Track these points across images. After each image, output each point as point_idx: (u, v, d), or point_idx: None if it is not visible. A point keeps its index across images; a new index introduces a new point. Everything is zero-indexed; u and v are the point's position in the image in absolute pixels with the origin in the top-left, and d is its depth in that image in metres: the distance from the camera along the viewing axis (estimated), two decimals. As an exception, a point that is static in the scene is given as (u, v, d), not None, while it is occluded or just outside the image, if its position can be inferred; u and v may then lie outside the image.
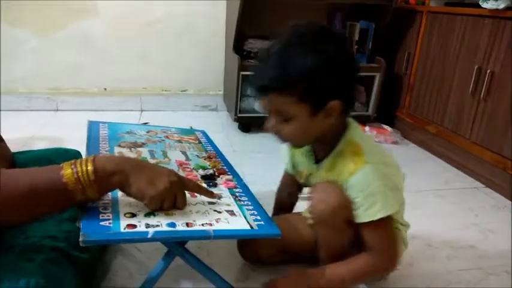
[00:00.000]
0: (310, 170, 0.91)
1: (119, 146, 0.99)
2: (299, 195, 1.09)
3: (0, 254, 0.66)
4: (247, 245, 1.03)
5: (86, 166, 0.64)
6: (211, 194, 0.81)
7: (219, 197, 0.82)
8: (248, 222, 0.75)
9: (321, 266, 0.88)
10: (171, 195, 0.72)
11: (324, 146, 0.86)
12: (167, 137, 1.14)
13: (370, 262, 0.83)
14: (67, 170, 0.63)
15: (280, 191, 1.11)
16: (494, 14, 1.56)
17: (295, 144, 0.85)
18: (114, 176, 0.66)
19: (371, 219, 0.79)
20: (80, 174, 0.63)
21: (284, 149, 0.99)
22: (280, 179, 1.09)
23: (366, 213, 0.79)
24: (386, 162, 0.84)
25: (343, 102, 0.76)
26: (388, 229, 0.83)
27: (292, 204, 1.12)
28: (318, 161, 0.89)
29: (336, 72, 0.74)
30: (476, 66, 1.66)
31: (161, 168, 0.74)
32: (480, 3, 1.60)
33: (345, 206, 0.81)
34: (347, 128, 0.84)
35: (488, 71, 1.60)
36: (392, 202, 0.81)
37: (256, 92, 0.78)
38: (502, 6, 1.51)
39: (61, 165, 0.64)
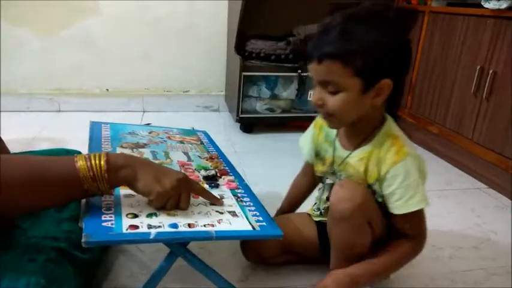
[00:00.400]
0: (337, 157, 0.90)
1: (121, 146, 1.00)
2: (310, 193, 1.09)
3: (2, 253, 0.66)
4: (250, 246, 1.02)
5: (100, 159, 0.66)
6: (218, 200, 0.81)
7: (222, 203, 0.82)
8: (250, 223, 0.75)
9: (360, 262, 0.86)
10: (177, 194, 0.72)
11: (358, 133, 0.86)
12: (169, 137, 1.14)
13: (412, 248, 0.86)
14: (81, 160, 0.65)
15: (298, 177, 1.10)
16: (497, 14, 1.56)
17: (338, 119, 0.81)
18: (124, 169, 0.68)
19: (412, 210, 0.80)
20: (93, 163, 0.65)
21: (305, 137, 1.00)
22: (301, 168, 1.09)
23: (408, 203, 0.80)
24: (419, 156, 0.85)
25: (393, 82, 0.77)
26: (423, 216, 0.85)
27: (304, 196, 1.10)
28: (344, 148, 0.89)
29: (395, 51, 0.75)
30: (479, 67, 1.65)
31: (170, 169, 0.75)
32: (482, 3, 1.59)
33: (368, 206, 0.81)
34: (385, 120, 0.85)
35: (491, 71, 1.60)
36: (426, 196, 0.83)
37: (312, 60, 0.76)
38: (504, 6, 1.50)
39: (75, 155, 0.66)
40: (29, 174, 0.61)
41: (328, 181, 0.94)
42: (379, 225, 0.86)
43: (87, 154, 0.67)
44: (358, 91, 0.76)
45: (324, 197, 0.96)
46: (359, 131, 0.85)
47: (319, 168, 0.97)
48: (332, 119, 0.81)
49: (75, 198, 0.71)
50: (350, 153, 0.87)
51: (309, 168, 1.04)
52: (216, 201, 0.80)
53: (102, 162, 0.65)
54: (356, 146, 0.86)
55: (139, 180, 0.69)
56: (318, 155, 0.97)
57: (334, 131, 0.92)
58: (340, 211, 0.81)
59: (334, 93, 0.76)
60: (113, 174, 0.67)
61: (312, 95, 0.80)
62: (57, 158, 0.66)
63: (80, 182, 0.64)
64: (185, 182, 0.73)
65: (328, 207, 0.92)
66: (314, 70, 0.77)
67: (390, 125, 0.85)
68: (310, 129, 0.99)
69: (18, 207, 0.64)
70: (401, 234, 0.86)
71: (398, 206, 0.81)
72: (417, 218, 0.84)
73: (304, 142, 1.01)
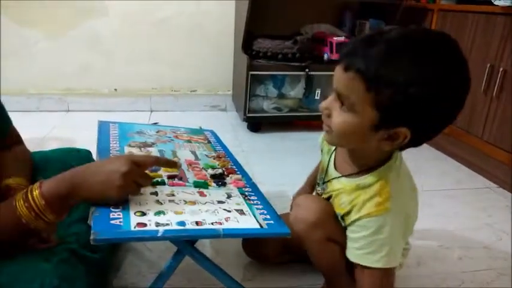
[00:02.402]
0: (329, 172, 0.85)
1: (129, 145, 1.00)
2: None
3: (17, 255, 0.67)
4: (250, 243, 1.02)
5: (33, 193, 0.65)
6: (174, 164, 0.82)
7: (180, 166, 0.85)
8: (258, 221, 0.75)
9: None
10: (131, 185, 0.71)
11: (354, 161, 0.78)
12: (176, 136, 1.15)
13: None
14: (19, 202, 0.64)
15: (314, 171, 1.03)
16: (507, 11, 1.54)
17: (335, 138, 0.72)
18: (68, 199, 0.67)
19: (368, 265, 0.74)
20: (31, 202, 0.64)
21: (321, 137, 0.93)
22: None
23: (365, 256, 0.74)
24: (410, 208, 0.77)
25: (412, 137, 0.65)
26: (380, 278, 0.75)
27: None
28: (336, 166, 0.84)
29: (432, 105, 0.62)
30: (489, 65, 1.63)
31: (110, 164, 0.71)
32: (492, 1, 1.57)
33: (324, 225, 0.78)
34: (389, 159, 0.75)
35: (501, 69, 1.58)
36: (397, 256, 0.76)
37: (340, 63, 0.65)
38: (515, 3, 1.48)
39: (14, 196, 0.65)
40: None
41: (318, 190, 0.89)
42: (345, 240, 0.79)
43: (24, 193, 0.65)
44: (370, 124, 0.65)
45: (319, 191, 0.94)
46: (356, 161, 0.77)
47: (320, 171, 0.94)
48: (330, 133, 0.72)
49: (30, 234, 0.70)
50: (338, 177, 0.80)
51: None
52: (171, 165, 0.82)
53: (38, 197, 0.64)
54: (347, 174, 0.79)
55: (89, 199, 0.69)
56: (321, 152, 0.94)
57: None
58: (298, 231, 0.80)
59: (344, 111, 0.67)
60: (56, 204, 0.65)
61: (324, 100, 0.71)
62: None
63: (26, 226, 0.64)
64: (132, 171, 0.70)
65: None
66: (337, 75, 0.67)
67: (392, 167, 0.74)
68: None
69: None
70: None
71: (354, 254, 0.76)
72: (372, 277, 0.75)
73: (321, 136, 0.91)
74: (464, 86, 0.65)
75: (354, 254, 0.76)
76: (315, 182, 0.97)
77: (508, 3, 1.50)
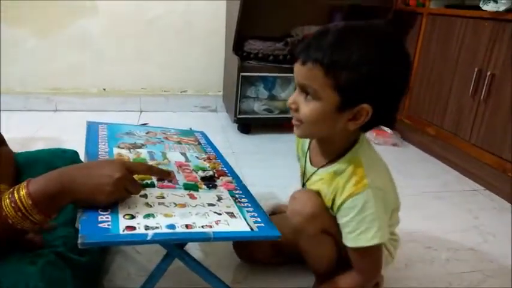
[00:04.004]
0: (307, 170, 0.89)
1: (118, 147, 0.99)
2: None
3: (3, 256, 0.65)
4: (242, 245, 1.02)
5: (20, 193, 0.63)
6: (168, 175, 0.81)
7: (173, 176, 0.84)
8: (248, 224, 0.75)
9: None
10: (121, 191, 0.71)
11: (326, 151, 0.83)
12: (166, 138, 1.14)
13: (358, 283, 0.83)
14: (5, 201, 0.62)
15: None
16: (495, 16, 1.56)
17: (305, 128, 0.77)
18: (57, 199, 0.65)
19: (362, 245, 0.77)
20: (18, 203, 0.62)
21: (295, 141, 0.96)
22: None
23: (359, 237, 0.77)
24: (386, 184, 0.81)
25: (374, 113, 0.71)
26: (376, 254, 0.81)
27: None
28: (312, 163, 0.87)
29: (385, 79, 0.69)
30: (477, 69, 1.66)
31: (103, 169, 0.70)
32: (481, 6, 1.60)
33: (320, 217, 0.80)
34: (356, 143, 0.80)
35: (489, 73, 1.60)
36: (386, 230, 0.79)
37: (298, 59, 0.73)
38: (502, 8, 1.50)
39: (0, 196, 0.63)
40: None
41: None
42: (339, 231, 0.82)
43: (11, 192, 0.63)
44: (334, 107, 0.71)
45: None
46: (328, 150, 0.82)
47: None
48: (300, 126, 0.77)
49: (17, 235, 0.68)
50: (315, 171, 0.84)
51: None
52: (165, 176, 0.81)
53: (25, 197, 0.62)
54: (322, 165, 0.83)
55: (78, 201, 0.68)
56: (299, 160, 0.96)
57: (307, 143, 0.90)
58: (294, 224, 0.81)
59: (309, 101, 0.73)
60: (44, 204, 0.64)
61: (289, 97, 0.77)
62: None
63: (13, 226, 0.62)
64: (123, 177, 0.69)
65: None
66: (297, 71, 0.74)
67: (359, 149, 0.79)
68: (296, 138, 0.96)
69: None
70: (354, 266, 0.83)
71: (349, 239, 0.78)
72: (370, 255, 0.80)
73: (295, 144, 0.98)
74: (406, 61, 0.73)
75: (349, 238, 0.78)
76: None
77: (495, 9, 1.53)
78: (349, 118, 0.73)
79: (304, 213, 0.79)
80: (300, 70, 0.72)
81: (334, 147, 0.81)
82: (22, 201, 0.62)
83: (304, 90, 0.73)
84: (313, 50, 0.70)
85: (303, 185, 0.90)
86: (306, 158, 0.89)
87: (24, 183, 0.64)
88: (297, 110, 0.75)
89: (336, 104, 0.71)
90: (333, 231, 0.82)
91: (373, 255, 0.81)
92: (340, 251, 0.85)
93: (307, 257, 0.90)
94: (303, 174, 0.90)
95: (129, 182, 0.72)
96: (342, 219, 0.78)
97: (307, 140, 0.91)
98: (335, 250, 0.84)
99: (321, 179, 0.82)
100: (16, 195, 0.62)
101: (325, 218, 0.80)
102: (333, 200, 0.79)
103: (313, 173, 0.85)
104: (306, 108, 0.73)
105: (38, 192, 0.63)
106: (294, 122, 0.78)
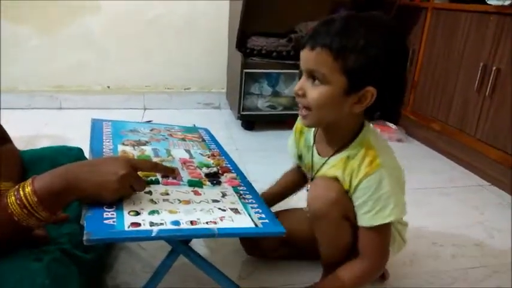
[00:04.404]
0: (315, 163, 0.90)
1: (123, 144, 0.99)
2: (298, 189, 1.08)
3: (8, 253, 0.65)
4: (249, 239, 1.03)
5: (25, 190, 0.62)
6: (172, 172, 0.82)
7: (177, 174, 0.84)
8: (253, 220, 0.74)
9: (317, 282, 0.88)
10: (126, 188, 0.71)
11: (333, 139, 0.85)
12: (171, 135, 1.14)
13: (365, 269, 0.84)
14: (11, 199, 0.62)
15: (285, 175, 1.10)
16: (500, 10, 1.55)
17: (313, 114, 0.78)
18: (62, 196, 0.65)
19: (379, 223, 0.79)
20: (23, 200, 0.62)
21: (290, 139, 0.99)
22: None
23: (376, 216, 0.79)
24: (397, 164, 0.84)
25: (378, 96, 0.74)
26: (387, 235, 0.84)
27: (285, 193, 1.08)
28: (320, 154, 0.88)
29: (388, 61, 0.73)
30: (482, 63, 1.64)
31: (108, 166, 0.70)
32: (486, 0, 1.58)
33: (342, 201, 0.81)
34: (362, 128, 0.83)
35: (494, 68, 1.59)
36: (402, 206, 0.82)
37: (306, 45, 0.75)
38: (507, 2, 1.49)
39: (5, 193, 0.63)
40: None
41: (308, 188, 0.93)
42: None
43: (16, 189, 0.63)
44: (341, 90, 0.74)
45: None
46: (335, 138, 0.84)
47: (305, 170, 0.98)
48: (308, 113, 0.79)
49: (23, 235, 0.67)
50: (326, 161, 0.86)
51: (295, 168, 1.05)
52: (169, 173, 0.82)
53: (30, 194, 0.62)
54: (332, 154, 0.85)
55: (83, 199, 0.68)
56: (300, 158, 0.98)
57: (312, 137, 0.91)
58: (316, 209, 0.82)
59: (317, 86, 0.75)
60: (49, 201, 0.63)
61: (296, 85, 0.79)
62: None
63: (15, 221, 0.61)
64: (128, 174, 0.70)
65: None
66: (304, 57, 0.76)
67: (367, 133, 0.83)
68: (292, 134, 0.98)
69: None
70: (362, 251, 0.84)
71: (366, 219, 0.80)
72: (383, 235, 0.83)
73: (289, 144, 1.00)
74: (405, 46, 0.78)
75: (366, 218, 0.80)
76: (277, 189, 1.07)
77: (500, 3, 1.51)
78: (355, 101, 0.75)
79: (329, 197, 0.80)
80: (308, 55, 0.74)
81: (343, 134, 0.83)
82: (27, 198, 0.62)
83: (312, 75, 0.75)
84: (322, 36, 0.72)
85: (312, 179, 0.91)
86: (312, 151, 0.90)
87: (29, 181, 0.64)
88: (304, 95, 0.77)
89: (343, 87, 0.73)
90: (352, 217, 0.83)
91: (385, 235, 0.83)
92: (354, 240, 0.85)
93: (323, 244, 0.89)
94: (311, 168, 0.91)
95: (134, 179, 0.72)
96: (358, 200, 0.80)
97: (311, 135, 0.91)
98: (351, 238, 0.85)
99: (333, 166, 0.83)
100: (21, 192, 0.62)
101: (347, 203, 0.82)
102: (350, 183, 0.81)
103: (324, 163, 0.86)
104: (314, 92, 0.75)
105: (43, 189, 0.63)
106: (301, 111, 0.80)
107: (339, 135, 0.83)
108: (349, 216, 0.83)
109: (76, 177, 0.67)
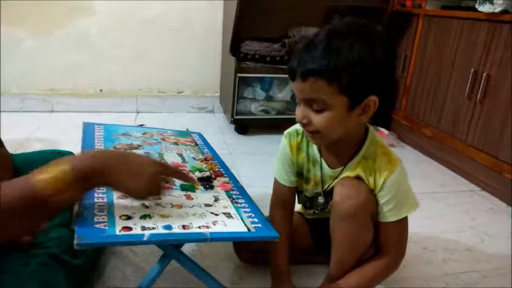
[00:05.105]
0: (326, 176, 0.88)
1: (115, 148, 0.99)
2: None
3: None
4: (243, 244, 1.02)
5: (62, 166, 0.62)
6: (191, 180, 0.83)
7: (197, 184, 0.84)
8: (245, 225, 0.74)
9: (337, 282, 0.87)
10: (155, 184, 0.71)
11: (345, 149, 0.84)
12: (163, 139, 1.13)
13: (388, 263, 0.86)
14: (41, 175, 0.60)
15: (276, 217, 0.95)
16: (491, 17, 1.57)
17: (323, 136, 0.78)
18: (95, 177, 0.65)
19: (403, 216, 0.83)
20: (58, 175, 0.61)
21: (281, 164, 0.92)
22: (275, 205, 0.97)
23: (401, 210, 0.82)
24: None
25: (379, 99, 0.75)
26: (406, 226, 0.87)
27: (291, 227, 0.98)
28: (330, 167, 0.87)
29: (380, 67, 0.73)
30: (473, 70, 1.66)
31: (142, 159, 0.72)
32: (477, 7, 1.60)
33: (371, 200, 0.82)
34: (368, 130, 0.84)
35: (485, 74, 1.61)
36: (415, 198, 0.86)
37: (296, 77, 0.74)
38: (498, 9, 1.51)
39: (35, 171, 0.61)
40: None
41: (321, 200, 0.93)
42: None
43: (48, 164, 0.62)
44: (344, 109, 0.74)
45: (321, 201, 0.95)
46: (346, 147, 0.84)
47: (306, 187, 0.94)
48: (317, 136, 0.78)
49: (54, 214, 0.66)
50: (342, 170, 0.85)
51: (288, 196, 0.95)
52: (189, 181, 0.82)
53: (67, 171, 0.61)
54: (346, 161, 0.84)
55: (114, 184, 0.68)
56: (299, 175, 0.93)
57: (317, 151, 0.88)
58: (346, 208, 0.80)
59: (319, 111, 0.74)
60: (82, 182, 0.63)
61: (296, 113, 0.78)
62: (11, 182, 0.60)
63: (50, 200, 0.60)
64: (159, 172, 0.71)
65: (324, 205, 0.93)
66: (298, 88, 0.75)
67: (373, 134, 0.85)
68: (286, 156, 0.91)
69: None
70: (383, 248, 0.87)
71: (392, 215, 0.83)
72: (403, 226, 0.86)
73: (282, 170, 0.93)
74: (393, 49, 0.80)
75: (391, 215, 0.83)
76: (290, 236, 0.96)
77: (491, 10, 1.54)
78: (360, 113, 0.76)
79: (361, 198, 0.80)
80: (301, 86, 0.73)
81: (354, 141, 0.84)
82: (65, 174, 0.61)
83: (311, 103, 0.75)
84: (309, 63, 0.71)
85: (324, 192, 0.91)
86: (321, 166, 0.88)
87: (66, 158, 0.64)
88: (309, 123, 0.77)
89: (345, 106, 0.73)
90: (375, 217, 0.84)
91: (405, 227, 0.86)
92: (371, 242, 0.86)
93: (344, 244, 0.86)
94: (320, 182, 0.90)
95: (161, 180, 0.74)
96: (384, 198, 0.82)
97: (314, 149, 0.89)
98: (372, 239, 0.85)
99: (354, 170, 0.83)
100: (55, 167, 0.61)
101: (374, 202, 0.83)
102: (374, 181, 0.82)
103: (340, 173, 0.85)
104: (319, 118, 0.75)
105: (80, 169, 0.63)
106: (308, 134, 0.80)
107: (350, 144, 0.83)
108: (374, 216, 0.84)
109: (112, 165, 0.67)
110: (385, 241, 0.86)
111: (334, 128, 0.76)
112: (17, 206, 0.58)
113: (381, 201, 0.82)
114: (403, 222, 0.85)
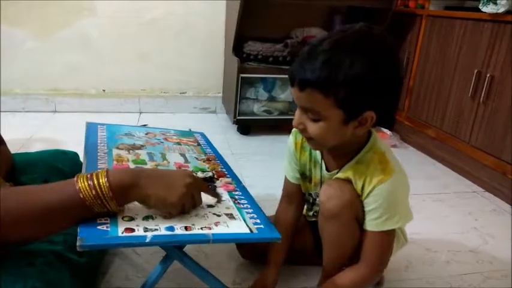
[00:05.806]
0: (324, 178, 0.89)
1: (117, 148, 0.99)
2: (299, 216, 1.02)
3: (1, 257, 0.65)
4: (245, 243, 1.02)
5: (101, 179, 0.64)
6: (217, 196, 0.82)
7: (219, 201, 0.82)
8: (248, 226, 0.74)
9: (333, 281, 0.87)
10: (189, 197, 0.72)
11: (343, 153, 0.84)
12: (166, 139, 1.13)
13: (364, 274, 0.83)
14: (83, 183, 0.63)
15: (283, 211, 0.99)
16: (494, 18, 1.56)
17: (318, 144, 0.81)
18: (132, 191, 0.67)
19: (389, 229, 0.80)
20: (97, 189, 0.63)
21: (288, 161, 0.95)
22: (283, 199, 1.00)
23: (385, 222, 0.80)
24: (404, 170, 0.83)
25: (377, 114, 0.74)
26: (391, 240, 0.84)
27: (295, 223, 0.99)
28: (329, 169, 0.88)
29: (380, 87, 0.71)
30: (476, 70, 1.66)
31: (175, 172, 0.75)
32: (480, 7, 1.60)
33: (355, 203, 0.81)
34: (370, 136, 0.83)
35: (488, 75, 1.60)
36: (409, 213, 0.84)
37: (294, 84, 0.74)
38: (501, 10, 1.51)
39: (75, 179, 0.64)
40: (32, 207, 0.61)
41: (318, 201, 0.92)
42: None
43: (89, 174, 0.65)
44: (340, 122, 0.73)
45: (318, 202, 0.95)
46: (344, 152, 0.84)
47: (309, 186, 0.95)
48: (312, 142, 0.80)
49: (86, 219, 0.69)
50: (336, 173, 0.85)
51: (294, 192, 0.98)
52: (215, 196, 0.82)
53: (105, 186, 0.64)
54: (342, 165, 0.84)
55: (150, 198, 0.68)
56: (302, 174, 0.95)
57: (318, 152, 0.90)
58: (330, 208, 0.81)
59: (314, 120, 0.74)
60: (122, 197, 0.66)
61: (294, 117, 0.79)
62: (55, 185, 0.65)
63: (85, 206, 0.63)
64: (193, 184, 0.73)
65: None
66: (295, 95, 0.75)
67: (375, 140, 0.83)
68: (291, 153, 0.94)
69: (24, 239, 0.63)
70: (364, 256, 0.84)
71: (375, 224, 0.81)
72: (388, 240, 0.83)
73: (287, 166, 0.96)
74: (394, 57, 0.75)
75: (374, 224, 0.81)
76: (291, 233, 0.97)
77: (494, 11, 1.53)
78: (356, 126, 0.75)
79: (344, 198, 0.80)
80: (298, 95, 0.74)
81: (351, 148, 0.83)
82: (102, 188, 0.64)
83: (307, 111, 0.75)
84: (308, 74, 0.70)
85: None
86: (321, 166, 0.89)
87: (103, 172, 0.65)
88: (304, 130, 0.77)
89: (341, 119, 0.73)
90: (361, 220, 0.83)
91: (388, 241, 0.83)
92: (358, 244, 0.85)
93: (330, 245, 0.88)
94: (319, 183, 0.91)
95: (197, 192, 0.75)
96: (370, 206, 0.80)
97: (317, 151, 0.90)
98: (357, 241, 0.85)
99: (345, 172, 0.83)
100: (95, 181, 0.64)
101: (359, 205, 0.82)
102: (362, 187, 0.80)
103: (335, 175, 0.85)
104: (314, 128, 0.75)
105: (117, 184, 0.65)
106: (305, 137, 0.81)
107: (348, 149, 0.83)
108: (359, 218, 0.83)
109: (146, 176, 0.69)
110: (365, 249, 0.83)
111: (327, 138, 0.77)
112: (60, 207, 0.62)
113: (366, 208, 0.81)
114: (388, 234, 0.82)
